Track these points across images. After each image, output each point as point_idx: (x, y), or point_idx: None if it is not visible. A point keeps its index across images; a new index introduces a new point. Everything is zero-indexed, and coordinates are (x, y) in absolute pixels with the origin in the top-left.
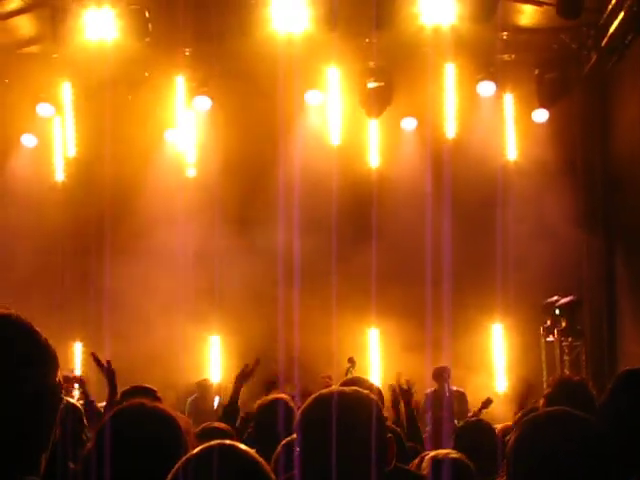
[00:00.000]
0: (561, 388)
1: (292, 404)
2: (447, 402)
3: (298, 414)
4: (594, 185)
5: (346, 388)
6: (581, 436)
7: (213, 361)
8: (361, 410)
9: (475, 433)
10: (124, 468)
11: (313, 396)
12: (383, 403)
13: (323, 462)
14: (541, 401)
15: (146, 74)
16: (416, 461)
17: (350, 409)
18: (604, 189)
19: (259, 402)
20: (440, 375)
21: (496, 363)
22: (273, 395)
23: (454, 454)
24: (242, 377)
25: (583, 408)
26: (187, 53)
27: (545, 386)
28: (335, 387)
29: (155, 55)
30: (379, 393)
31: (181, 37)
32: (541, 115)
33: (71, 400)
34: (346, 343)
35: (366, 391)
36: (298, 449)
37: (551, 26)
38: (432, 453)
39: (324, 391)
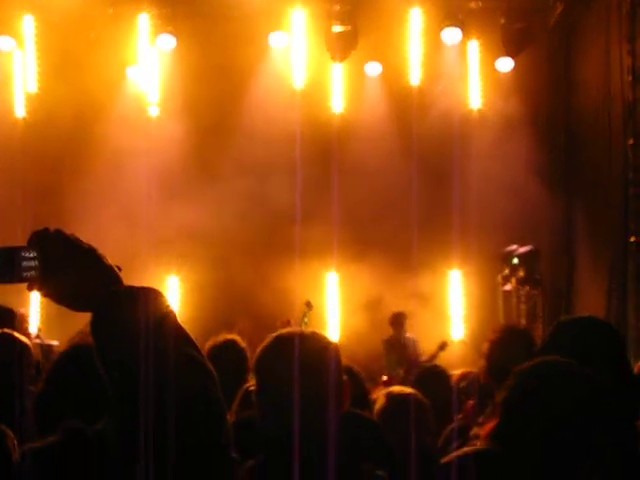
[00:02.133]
0: (505, 335)
1: (243, 344)
2: (403, 348)
3: (257, 353)
4: (556, 138)
5: (305, 330)
6: (578, 385)
7: (171, 300)
8: (320, 352)
9: (430, 378)
10: None
11: (272, 336)
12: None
13: (281, 402)
14: (485, 345)
15: (110, 11)
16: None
17: (309, 350)
18: (566, 142)
19: (210, 343)
20: (396, 321)
21: (454, 310)
22: (223, 336)
23: (408, 390)
24: None
25: (525, 356)
26: None
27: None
28: (290, 329)
29: None
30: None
31: None
32: (506, 64)
33: (24, 339)
34: (307, 286)
35: (323, 334)
36: (257, 388)
37: None
38: (385, 391)
39: (283, 331)
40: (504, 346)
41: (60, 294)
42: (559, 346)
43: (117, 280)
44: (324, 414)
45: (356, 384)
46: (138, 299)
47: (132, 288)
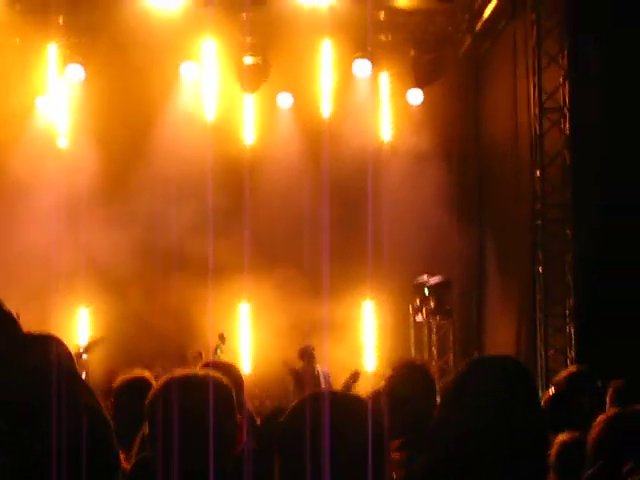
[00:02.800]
0: (404, 370)
1: (152, 381)
2: (315, 380)
3: (148, 398)
4: (467, 169)
5: (189, 372)
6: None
7: (80, 332)
8: (200, 395)
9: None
10: None
11: (160, 383)
12: (242, 387)
13: (166, 448)
14: (382, 383)
15: (17, 40)
16: None
17: (189, 395)
18: (476, 174)
19: (120, 379)
20: (305, 354)
21: (366, 340)
22: (131, 374)
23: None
24: None
25: (423, 391)
26: (60, 21)
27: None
28: (180, 371)
29: (27, 22)
30: (239, 377)
31: (54, 4)
32: (416, 96)
33: None
34: (220, 317)
35: (217, 374)
36: (147, 431)
37: (427, 8)
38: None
39: (175, 374)
40: (403, 382)
41: None
42: (470, 387)
43: (14, 325)
44: (206, 456)
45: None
46: (38, 345)
47: (30, 335)
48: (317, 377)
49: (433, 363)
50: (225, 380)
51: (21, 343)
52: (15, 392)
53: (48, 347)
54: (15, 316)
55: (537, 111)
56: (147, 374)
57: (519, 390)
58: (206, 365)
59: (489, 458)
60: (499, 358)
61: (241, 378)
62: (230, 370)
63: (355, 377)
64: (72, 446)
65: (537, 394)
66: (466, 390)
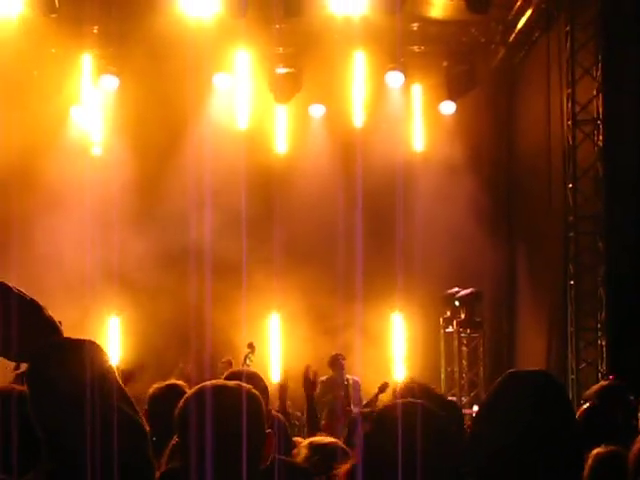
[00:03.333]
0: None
1: (186, 390)
2: (342, 390)
3: (178, 407)
4: (499, 180)
5: (221, 382)
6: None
7: (112, 343)
8: (233, 406)
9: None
10: None
11: (189, 393)
12: (268, 398)
13: (198, 458)
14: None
15: (53, 50)
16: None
17: (221, 405)
18: (508, 185)
19: (154, 388)
20: (335, 362)
21: (396, 351)
22: (167, 382)
23: (329, 440)
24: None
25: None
26: (95, 31)
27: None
28: (213, 381)
29: (62, 31)
30: (264, 388)
31: (89, 14)
32: (448, 107)
33: None
34: (251, 328)
35: (248, 386)
36: (178, 442)
37: (461, 19)
38: (308, 440)
39: (198, 387)
40: None
41: (0, 345)
42: (502, 402)
43: (57, 332)
44: (237, 469)
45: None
46: (77, 352)
47: (71, 341)
48: (346, 386)
49: (463, 375)
50: (255, 391)
51: (62, 349)
52: (52, 400)
53: (85, 353)
54: (58, 323)
55: (570, 123)
56: (181, 383)
57: (551, 405)
58: (230, 375)
59: (522, 474)
60: (532, 373)
61: (266, 388)
62: (254, 380)
63: (383, 388)
64: (106, 454)
65: (571, 409)
66: (498, 405)
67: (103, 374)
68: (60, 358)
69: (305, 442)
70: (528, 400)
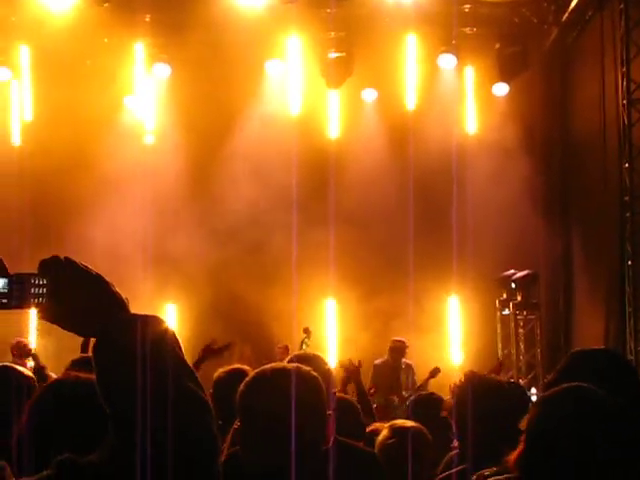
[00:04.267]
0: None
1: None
2: (395, 374)
3: (239, 391)
4: (553, 162)
5: (281, 365)
6: (598, 412)
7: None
8: (292, 388)
9: (427, 406)
10: None
11: (248, 377)
12: (331, 380)
13: (258, 442)
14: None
15: (105, 40)
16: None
17: (281, 388)
18: (562, 166)
19: (219, 372)
20: (396, 349)
21: (452, 335)
22: (231, 366)
23: (410, 423)
24: (209, 352)
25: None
26: (147, 19)
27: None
28: (273, 364)
29: (114, 20)
30: (327, 371)
31: (140, 3)
32: (501, 89)
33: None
34: (305, 313)
35: (307, 368)
36: (239, 425)
37: (512, 0)
38: (388, 424)
39: (258, 371)
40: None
41: (68, 320)
42: (575, 378)
43: (124, 307)
44: (298, 448)
45: (352, 416)
46: (143, 327)
47: (138, 316)
48: (398, 371)
49: (521, 357)
50: (315, 373)
51: (129, 324)
52: (118, 373)
53: (151, 328)
54: (125, 299)
55: (625, 102)
56: (245, 367)
57: (618, 381)
58: (294, 358)
59: (587, 450)
60: (597, 351)
61: (329, 370)
62: (316, 362)
63: (434, 373)
64: (169, 427)
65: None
66: (573, 377)
67: (167, 349)
68: (127, 333)
69: (387, 424)
70: (594, 377)
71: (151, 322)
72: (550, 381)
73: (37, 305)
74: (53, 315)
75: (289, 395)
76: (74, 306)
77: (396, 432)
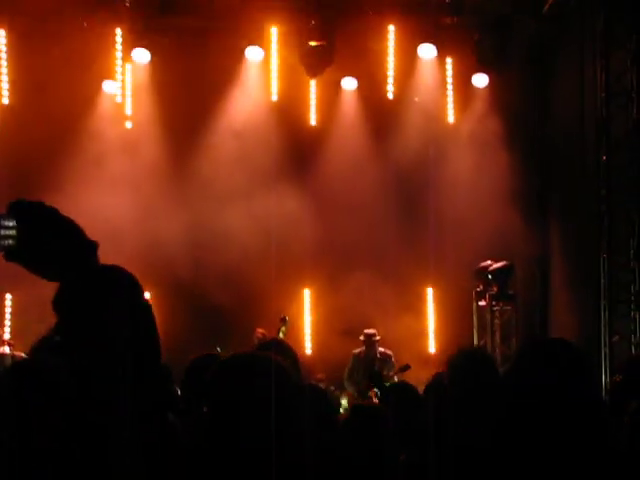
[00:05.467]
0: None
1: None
2: (372, 363)
3: (206, 379)
4: (532, 153)
5: (250, 352)
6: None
7: None
8: (261, 375)
9: (398, 395)
10: None
11: (218, 362)
12: (298, 367)
13: (226, 426)
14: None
15: (84, 24)
16: None
17: (251, 375)
18: (541, 158)
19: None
20: (368, 339)
21: (428, 325)
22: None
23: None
24: None
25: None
26: (127, 4)
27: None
28: (241, 352)
29: (94, 5)
30: (294, 358)
31: None
32: (481, 80)
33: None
34: (284, 300)
35: (272, 356)
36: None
37: None
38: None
39: (227, 357)
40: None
41: (36, 263)
42: (527, 365)
43: (93, 254)
44: (265, 435)
45: (321, 402)
46: (111, 278)
47: (107, 267)
48: (373, 361)
49: (496, 349)
50: (283, 361)
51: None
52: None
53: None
54: (95, 244)
55: (604, 95)
56: (218, 352)
57: (569, 372)
58: (260, 345)
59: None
60: (551, 340)
61: (296, 357)
62: (283, 349)
63: (403, 369)
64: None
65: (587, 373)
66: (519, 372)
67: (132, 302)
68: (94, 283)
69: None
70: (546, 364)
71: (120, 273)
72: (506, 370)
73: (5, 247)
74: (22, 258)
75: (258, 381)
76: (44, 249)
77: (353, 410)
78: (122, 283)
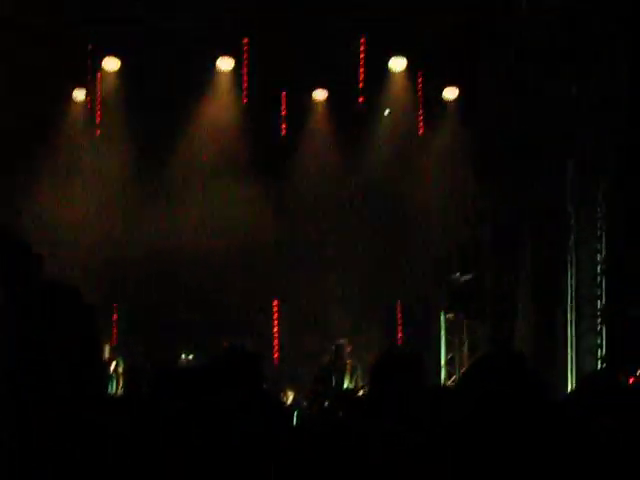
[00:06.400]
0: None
1: None
2: (343, 376)
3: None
4: (502, 163)
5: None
6: None
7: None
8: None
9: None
10: None
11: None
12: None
13: None
14: None
15: (54, 31)
16: None
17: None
18: (512, 171)
19: None
20: (337, 350)
21: (397, 339)
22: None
23: None
24: None
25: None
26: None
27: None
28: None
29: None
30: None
31: None
32: (451, 93)
33: None
34: (253, 311)
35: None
36: None
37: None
38: None
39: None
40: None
41: None
42: (475, 377)
43: (36, 268)
44: None
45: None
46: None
47: (50, 285)
48: (342, 372)
49: (464, 363)
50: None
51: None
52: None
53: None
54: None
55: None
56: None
57: (514, 379)
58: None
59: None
60: (499, 353)
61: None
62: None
63: (360, 388)
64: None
65: (526, 384)
66: (466, 384)
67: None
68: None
69: None
70: (492, 376)
71: (61, 294)
72: (457, 383)
73: None
74: None
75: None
76: None
77: None
78: (61, 297)
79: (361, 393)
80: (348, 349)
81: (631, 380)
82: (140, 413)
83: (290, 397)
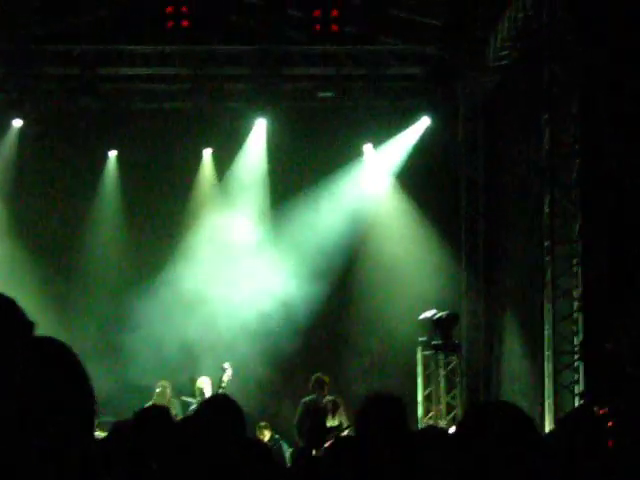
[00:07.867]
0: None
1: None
2: (322, 411)
3: None
4: (475, 199)
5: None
6: None
7: None
8: None
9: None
10: None
11: None
12: (243, 423)
13: None
14: None
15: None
16: None
17: None
18: (487, 208)
19: None
20: (317, 384)
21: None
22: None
23: None
24: None
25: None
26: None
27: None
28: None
29: None
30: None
31: None
32: (424, 123)
33: None
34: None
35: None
36: None
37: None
38: None
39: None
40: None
41: None
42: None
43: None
44: None
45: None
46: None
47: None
48: (324, 408)
49: (441, 399)
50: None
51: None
52: None
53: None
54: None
55: (548, 147)
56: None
57: (512, 435)
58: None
59: None
60: (494, 404)
61: (239, 411)
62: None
63: (344, 429)
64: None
65: (530, 437)
66: (464, 436)
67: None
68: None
69: None
70: (490, 429)
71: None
72: (454, 434)
73: None
74: None
75: None
76: None
77: None
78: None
79: (346, 433)
80: (323, 382)
81: (601, 412)
82: None
83: (267, 435)
